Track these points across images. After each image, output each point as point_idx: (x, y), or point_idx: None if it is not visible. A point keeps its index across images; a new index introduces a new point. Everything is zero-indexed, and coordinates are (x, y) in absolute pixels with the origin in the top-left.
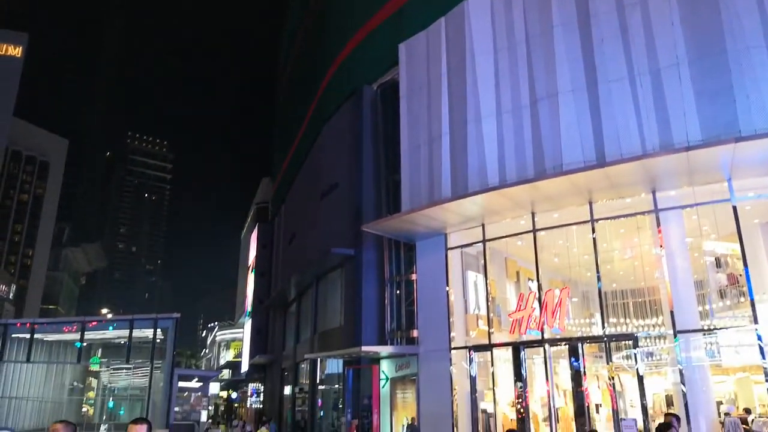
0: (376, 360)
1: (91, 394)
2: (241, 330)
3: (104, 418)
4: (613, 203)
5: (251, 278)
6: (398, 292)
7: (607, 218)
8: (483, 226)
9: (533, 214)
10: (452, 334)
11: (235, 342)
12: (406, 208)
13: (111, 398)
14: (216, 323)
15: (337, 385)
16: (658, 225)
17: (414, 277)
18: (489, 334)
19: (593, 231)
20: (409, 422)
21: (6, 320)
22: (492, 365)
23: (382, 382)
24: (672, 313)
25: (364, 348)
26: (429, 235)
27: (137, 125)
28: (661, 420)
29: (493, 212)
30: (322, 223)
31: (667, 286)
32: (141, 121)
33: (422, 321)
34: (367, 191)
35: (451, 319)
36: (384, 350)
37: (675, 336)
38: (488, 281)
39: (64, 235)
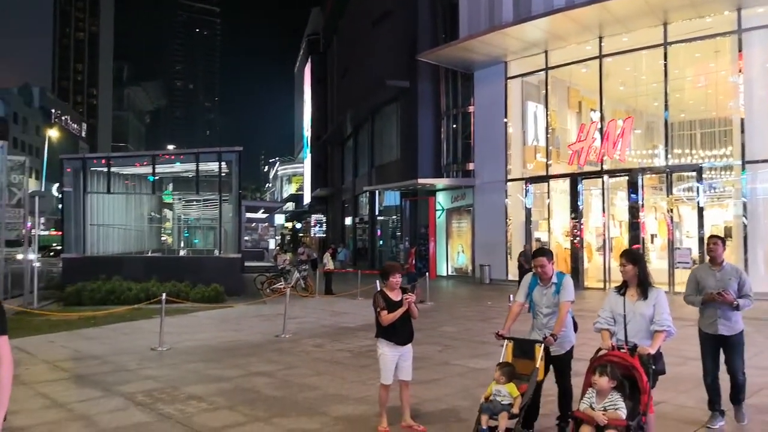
0: (432, 192)
1: (168, 224)
2: (301, 165)
3: (181, 245)
4: (690, 24)
5: (308, 113)
6: (454, 125)
7: (683, 41)
8: (546, 53)
9: (600, 39)
10: (509, 167)
11: (296, 176)
12: (464, 34)
13: (185, 228)
14: (277, 158)
15: (394, 216)
16: (740, 48)
17: (471, 109)
18: (547, 165)
19: (665, 56)
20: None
21: (84, 154)
22: (548, 197)
23: (438, 213)
24: (743, 144)
25: (421, 180)
26: (488, 64)
27: None
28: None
29: (558, 37)
30: (376, 55)
31: (741, 115)
32: None
33: (479, 154)
34: (422, 17)
35: (508, 152)
36: (440, 182)
37: (743, 167)
38: (549, 112)
39: (124, 74)
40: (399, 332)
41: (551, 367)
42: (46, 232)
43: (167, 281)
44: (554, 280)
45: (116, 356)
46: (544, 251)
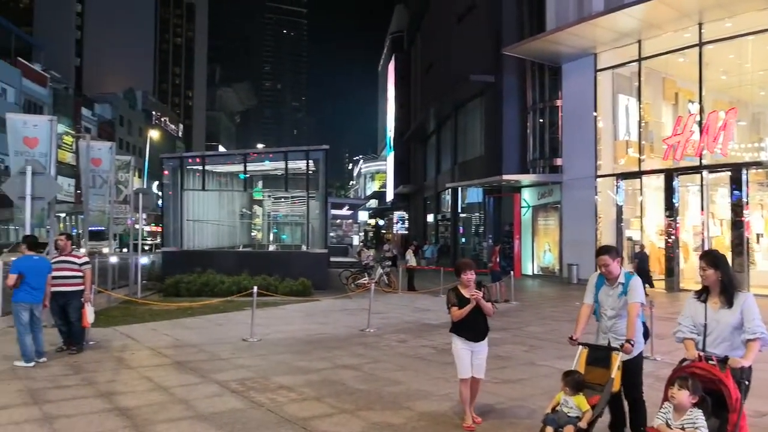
0: (517, 188)
1: (258, 220)
2: (384, 162)
3: (271, 239)
4: None
5: (391, 111)
6: (541, 120)
7: None
8: (639, 42)
9: (700, 26)
10: (599, 162)
11: (379, 174)
12: (551, 26)
13: (274, 224)
14: (360, 156)
15: (477, 213)
16: None
17: (558, 103)
18: (639, 161)
19: None
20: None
21: (181, 153)
22: (641, 193)
23: (523, 210)
24: None
25: (506, 177)
26: (576, 56)
27: None
28: None
29: (653, 25)
30: (460, 50)
31: None
32: None
33: (567, 149)
34: (507, 11)
35: (598, 147)
36: (526, 179)
37: None
38: (641, 104)
39: (216, 76)
40: (469, 328)
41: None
42: (148, 227)
43: (257, 275)
44: (621, 280)
45: (211, 345)
46: (608, 249)
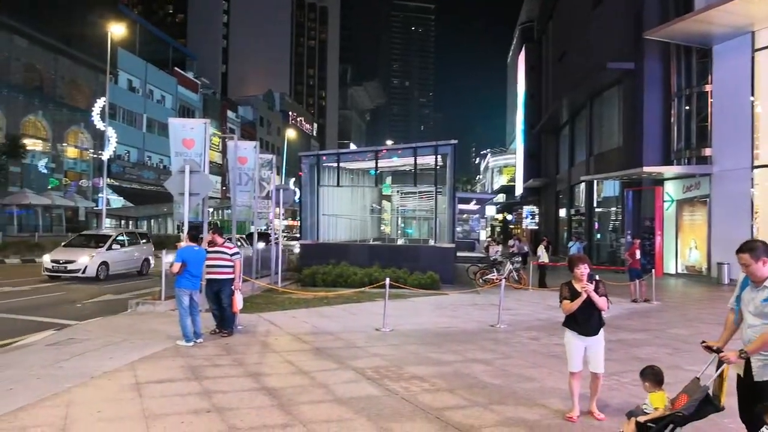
0: (659, 181)
1: (386, 215)
2: (512, 155)
3: (398, 233)
4: None
5: (521, 103)
6: (687, 107)
7: None
8: None
9: None
10: (756, 151)
11: (507, 167)
12: (700, 5)
13: (402, 219)
14: (488, 150)
15: (614, 208)
16: None
17: (708, 88)
18: None
19: None
20: None
21: (318, 151)
22: None
23: (666, 204)
24: None
25: (647, 169)
26: (729, 36)
27: None
28: None
29: None
30: (596, 36)
31: None
32: None
33: (717, 137)
34: None
35: (755, 135)
36: (669, 171)
37: None
38: None
39: (347, 76)
40: (580, 322)
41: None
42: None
43: (387, 267)
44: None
45: (346, 333)
46: (751, 246)
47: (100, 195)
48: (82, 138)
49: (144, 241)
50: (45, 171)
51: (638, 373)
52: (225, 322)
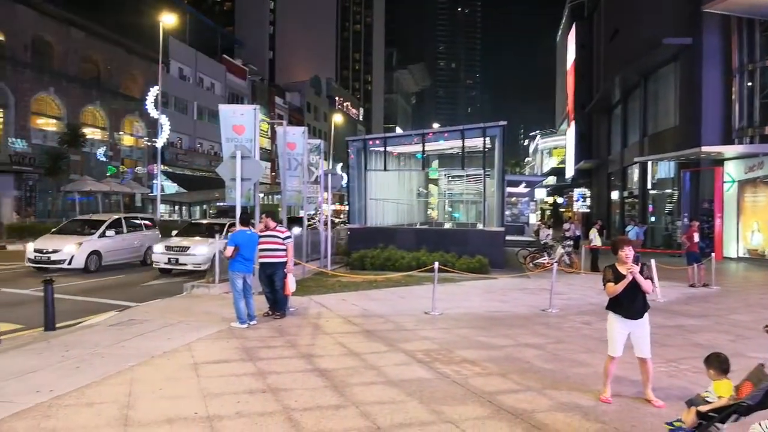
0: (718, 161)
1: (433, 199)
2: (562, 137)
3: (445, 217)
4: None
5: (571, 83)
6: (749, 83)
7: None
8: None
9: None
10: None
11: (557, 149)
12: None
13: (448, 203)
14: (537, 132)
15: (669, 189)
16: None
17: None
18: None
19: None
20: None
21: (364, 136)
22: None
23: (726, 186)
24: None
25: (705, 149)
26: None
27: None
28: None
29: None
30: (650, 12)
31: None
32: None
33: None
34: None
35: None
36: (730, 150)
37: None
38: None
39: (393, 59)
40: (625, 305)
41: None
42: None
43: (435, 251)
44: None
45: (396, 316)
46: None
47: (154, 181)
48: (137, 126)
49: (148, 227)
50: (103, 159)
51: (697, 360)
52: (277, 305)
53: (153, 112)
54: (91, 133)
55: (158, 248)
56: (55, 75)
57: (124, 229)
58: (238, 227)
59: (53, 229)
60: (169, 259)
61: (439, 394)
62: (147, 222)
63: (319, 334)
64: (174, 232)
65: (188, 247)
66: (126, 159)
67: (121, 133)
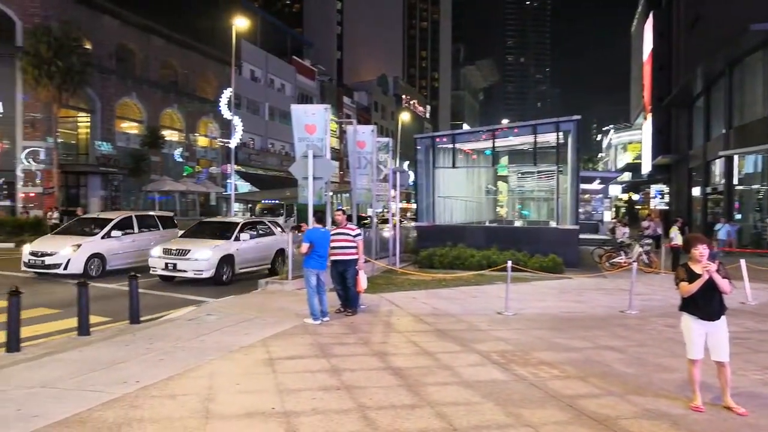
0: None
1: (502, 197)
2: (638, 131)
3: (515, 215)
4: None
5: (648, 74)
6: None
7: None
8: None
9: None
10: None
11: (632, 144)
12: None
13: (518, 200)
14: (611, 126)
15: (757, 185)
16: None
17: None
18: None
19: None
20: None
21: (432, 133)
22: None
23: None
24: None
25: None
26: None
27: None
28: None
29: None
30: None
31: None
32: None
33: None
34: None
35: None
36: None
37: None
38: None
39: (460, 55)
40: (701, 305)
41: None
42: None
43: (505, 250)
44: None
45: (468, 316)
46: None
47: (228, 181)
48: (211, 127)
49: (166, 225)
50: (180, 159)
51: None
52: (349, 302)
53: (226, 114)
54: (169, 135)
55: (156, 251)
56: (137, 80)
57: (135, 229)
58: (312, 225)
59: (54, 231)
60: (166, 264)
61: (516, 396)
62: (166, 222)
63: (391, 332)
64: (180, 233)
65: (189, 251)
66: (201, 159)
67: (196, 134)
